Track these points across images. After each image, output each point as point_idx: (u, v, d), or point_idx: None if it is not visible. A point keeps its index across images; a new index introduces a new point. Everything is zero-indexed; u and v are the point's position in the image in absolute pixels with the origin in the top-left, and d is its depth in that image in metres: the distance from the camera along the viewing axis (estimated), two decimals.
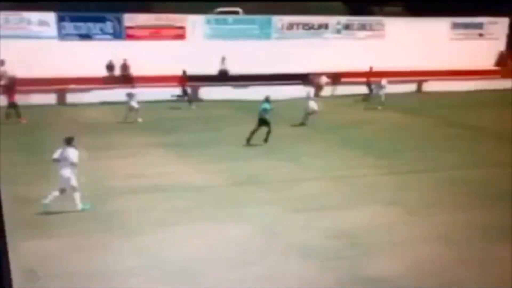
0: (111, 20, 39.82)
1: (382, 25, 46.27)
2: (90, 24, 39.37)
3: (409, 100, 38.96)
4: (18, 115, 29.89)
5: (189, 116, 33.35)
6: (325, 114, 30.77)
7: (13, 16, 36.93)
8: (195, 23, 42.08)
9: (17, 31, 36.59)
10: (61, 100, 36.50)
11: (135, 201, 17.74)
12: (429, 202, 18.04)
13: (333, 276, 12.68)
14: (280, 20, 44.25)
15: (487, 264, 13.25)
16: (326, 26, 45.45)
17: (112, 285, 12.09)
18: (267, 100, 25.98)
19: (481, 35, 49.05)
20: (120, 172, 21.05)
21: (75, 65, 35.38)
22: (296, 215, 16.62)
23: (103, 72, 38.38)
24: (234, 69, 40.57)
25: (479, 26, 48.86)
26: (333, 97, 39.06)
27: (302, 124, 30.28)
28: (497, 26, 49.08)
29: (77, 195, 16.39)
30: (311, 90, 31.67)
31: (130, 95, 31.13)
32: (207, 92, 38.67)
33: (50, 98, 35.98)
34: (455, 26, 48.02)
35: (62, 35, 38.47)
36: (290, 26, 44.55)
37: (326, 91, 38.13)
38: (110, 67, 38.70)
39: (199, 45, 40.30)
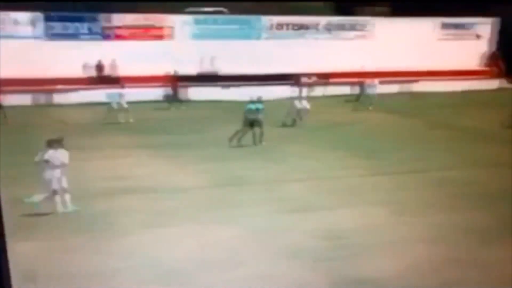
0: (98, 20, 39.91)
1: (372, 25, 46.55)
2: (78, 24, 39.46)
3: (398, 101, 39.04)
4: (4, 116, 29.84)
5: (176, 116, 33.44)
6: (314, 114, 30.85)
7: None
8: (183, 23, 42.20)
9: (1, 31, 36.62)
10: (48, 101, 36.55)
11: (122, 203, 17.66)
12: (418, 203, 18.03)
13: (323, 277, 12.67)
14: (269, 20, 44.41)
15: (477, 266, 13.26)
16: (315, 26, 45.66)
17: (99, 287, 12.15)
18: (259, 100, 26.11)
19: (478, 36, 49.37)
20: (106, 173, 20.96)
21: (62, 65, 35.41)
22: (284, 216, 16.60)
23: (90, 73, 38.43)
24: (223, 70, 40.67)
25: (469, 26, 49.15)
26: (322, 97, 39.08)
27: (293, 124, 30.46)
28: (487, 26, 49.36)
29: (67, 197, 16.43)
30: (303, 89, 31.87)
31: (119, 95, 31.25)
32: (195, 93, 38.70)
33: (36, 98, 36.09)
34: (444, 26, 48.32)
35: (49, 35, 38.52)
36: (280, 26, 44.76)
37: (316, 92, 38.20)
38: (99, 67, 38.75)
39: (187, 45, 40.39)
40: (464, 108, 36.42)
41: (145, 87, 36.61)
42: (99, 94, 34.78)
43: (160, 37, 41.29)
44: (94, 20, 39.94)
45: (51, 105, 36.04)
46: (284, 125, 30.34)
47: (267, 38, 44.20)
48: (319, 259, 13.53)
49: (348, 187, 19.81)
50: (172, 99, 36.68)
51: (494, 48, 49.35)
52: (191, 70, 39.31)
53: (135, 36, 40.55)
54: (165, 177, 20.82)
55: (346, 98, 39.10)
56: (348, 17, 47.32)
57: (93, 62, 38.67)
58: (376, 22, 46.70)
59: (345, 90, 40.27)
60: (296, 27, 45.22)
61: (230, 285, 12.31)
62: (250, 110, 25.87)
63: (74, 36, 39.18)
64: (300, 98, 31.37)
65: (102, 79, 38.26)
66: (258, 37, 44.00)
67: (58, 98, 36.59)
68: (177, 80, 37.62)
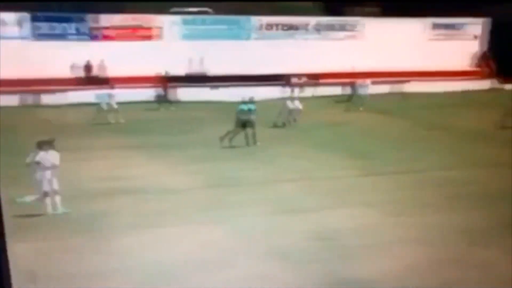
0: (85, 20, 39.85)
1: (362, 25, 46.68)
2: (65, 24, 39.40)
3: (389, 101, 39.11)
4: None
5: (167, 117, 33.44)
6: (306, 115, 30.91)
7: None
8: (172, 23, 42.20)
9: None
10: (36, 102, 36.46)
11: (112, 204, 17.61)
12: (409, 203, 17.99)
13: (312, 278, 12.64)
14: (259, 21, 44.47)
15: (473, 266, 13.25)
16: (305, 27, 45.74)
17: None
18: (251, 101, 26.14)
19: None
20: (96, 174, 20.93)
21: (49, 66, 35.32)
22: (274, 217, 16.56)
23: (78, 73, 38.37)
24: (212, 70, 40.69)
25: (460, 26, 49.35)
26: (313, 98, 39.05)
27: (283, 125, 30.47)
28: (477, 26, 49.55)
29: (58, 198, 16.39)
30: (295, 90, 31.93)
31: (109, 96, 31.23)
32: (184, 93, 38.68)
33: (24, 99, 36.03)
34: (435, 26, 48.50)
35: (36, 35, 38.44)
36: (269, 27, 44.82)
37: (306, 92, 38.26)
38: (87, 67, 38.69)
39: (176, 45, 40.39)
40: (456, 108, 36.48)
41: (134, 87, 36.58)
42: (88, 95, 34.89)
43: (148, 38, 41.31)
44: (81, 20, 39.93)
45: (39, 106, 35.96)
46: (275, 125, 30.35)
47: (256, 39, 44.23)
48: (311, 260, 13.49)
49: (341, 187, 19.78)
50: (163, 99, 36.65)
51: (485, 49, 49.52)
52: (180, 70, 39.30)
53: (123, 37, 40.53)
54: (156, 178, 20.78)
55: (337, 99, 39.24)
56: (338, 17, 47.38)
57: (81, 62, 38.60)
58: (366, 22, 46.89)
59: (336, 90, 40.28)
60: (285, 28, 45.30)
61: (222, 286, 12.29)
62: (242, 111, 25.87)
63: (61, 36, 39.14)
64: (292, 98, 31.42)
65: (90, 79, 38.20)
66: (248, 38, 44.03)
67: (46, 99, 36.47)
68: (167, 81, 37.58)
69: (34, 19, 38.38)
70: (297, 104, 31.00)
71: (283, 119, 30.64)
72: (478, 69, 48.75)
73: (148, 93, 36.86)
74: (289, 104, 31.07)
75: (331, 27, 46.20)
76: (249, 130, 25.61)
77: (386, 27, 45.18)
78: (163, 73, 37.84)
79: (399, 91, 43.82)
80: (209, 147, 25.40)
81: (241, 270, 12.97)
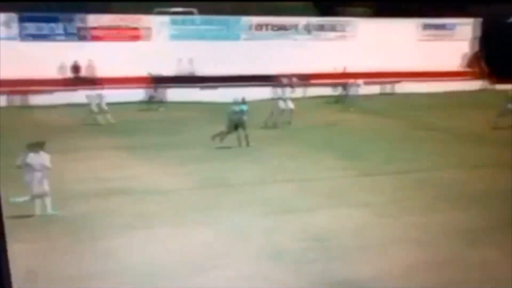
0: (73, 21, 39.89)
1: (353, 26, 46.83)
2: (53, 25, 39.45)
3: (380, 102, 39.42)
4: None
5: (156, 118, 33.58)
6: (297, 115, 31.07)
7: None
8: (160, 24, 42.30)
9: None
10: (24, 102, 36.50)
11: (101, 205, 17.75)
12: (400, 204, 18.21)
13: (304, 279, 12.82)
14: (248, 21, 44.60)
15: (459, 267, 13.50)
16: (295, 27, 45.89)
17: None
18: (243, 101, 26.30)
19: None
20: (85, 175, 21.03)
21: (37, 66, 35.34)
22: (265, 218, 16.71)
23: (66, 74, 38.43)
24: (201, 71, 40.81)
25: (450, 27, 49.62)
26: (304, 98, 39.17)
27: (274, 126, 30.56)
28: (468, 27, 49.80)
29: (48, 200, 16.52)
30: (287, 90, 32.08)
31: (98, 97, 31.35)
32: (174, 94, 38.75)
33: (11, 100, 36.06)
34: (426, 27, 48.73)
35: (23, 36, 38.46)
36: (259, 27, 44.92)
37: (297, 93, 38.37)
38: (75, 68, 38.75)
39: (164, 46, 40.50)
40: (447, 109, 36.68)
41: (124, 88, 36.62)
42: (76, 96, 34.87)
43: (137, 38, 41.34)
44: (69, 20, 39.90)
45: (27, 107, 35.91)
46: (266, 126, 30.46)
47: (246, 39, 44.33)
48: (301, 261, 13.69)
49: (332, 188, 19.96)
50: (152, 100, 36.77)
51: (475, 49, 49.72)
52: (169, 71, 39.39)
53: (112, 37, 40.55)
54: (147, 179, 20.91)
55: (328, 99, 39.43)
56: (329, 17, 47.57)
57: (69, 63, 38.57)
58: (356, 22, 47.01)
59: (327, 91, 40.43)
60: (275, 28, 45.40)
61: (214, 287, 12.50)
62: (234, 112, 26.03)
63: (49, 37, 39.13)
64: (283, 98, 31.62)
65: (78, 80, 38.24)
66: (237, 38, 44.12)
67: (34, 100, 36.47)
68: (157, 82, 37.72)
69: (21, 19, 38.33)
70: (289, 104, 31.13)
71: (274, 119, 30.71)
72: (469, 69, 48.96)
73: (138, 94, 36.97)
74: (281, 104, 31.23)
75: (321, 28, 46.31)
76: (241, 131, 25.74)
77: (377, 28, 45.35)
78: (152, 73, 37.90)
79: (390, 91, 44.14)
80: (200, 148, 25.53)
81: (234, 271, 13.12)
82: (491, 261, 13.82)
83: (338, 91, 39.47)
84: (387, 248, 14.67)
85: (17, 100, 36.45)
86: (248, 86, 36.91)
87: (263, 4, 44.57)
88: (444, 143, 27.59)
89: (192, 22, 43.48)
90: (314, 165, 23.33)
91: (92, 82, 37.09)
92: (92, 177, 20.84)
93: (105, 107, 31.18)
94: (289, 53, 41.59)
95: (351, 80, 38.34)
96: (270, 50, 41.86)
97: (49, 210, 16.55)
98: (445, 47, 46.74)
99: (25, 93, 36.53)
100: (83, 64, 38.84)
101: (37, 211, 16.46)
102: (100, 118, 30.98)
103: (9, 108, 34.59)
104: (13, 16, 38.03)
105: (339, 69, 40.32)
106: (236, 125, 25.80)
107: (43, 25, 39.10)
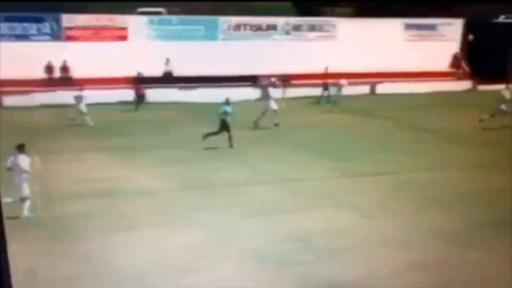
0: (48, 21, 39.68)
1: (333, 26, 46.97)
2: (26, 25, 39.23)
3: (363, 102, 39.53)
4: None
5: (136, 119, 33.48)
6: (281, 116, 31.01)
7: None
8: (137, 24, 42.21)
9: None
10: None
11: (82, 207, 17.74)
12: (385, 205, 18.36)
13: (288, 280, 12.91)
14: (226, 21, 44.61)
15: (443, 268, 13.65)
16: (274, 27, 45.93)
17: None
18: (227, 102, 26.21)
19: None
20: (66, 177, 20.97)
21: (12, 66, 35.04)
22: (249, 219, 16.80)
23: (42, 74, 38.23)
24: (179, 71, 40.77)
25: (433, 27, 49.88)
26: (287, 99, 39.09)
27: (255, 125, 30.58)
28: (451, 27, 50.09)
29: (27, 203, 16.52)
30: (271, 90, 32.10)
31: (78, 98, 31.11)
32: (152, 94, 38.60)
33: None
34: (408, 27, 48.92)
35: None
36: (237, 27, 44.93)
37: (277, 93, 38.46)
38: (49, 68, 38.52)
39: (142, 46, 40.42)
40: (431, 109, 36.99)
41: (103, 89, 36.48)
42: (52, 97, 34.73)
43: (114, 39, 41.18)
44: (43, 20, 39.66)
45: (1, 108, 35.51)
46: (256, 126, 30.50)
47: (224, 39, 44.33)
48: (285, 262, 13.78)
49: (316, 189, 20.09)
50: (133, 101, 36.62)
51: (458, 50, 50.00)
52: (147, 71, 39.33)
53: (87, 37, 40.39)
54: (127, 180, 20.89)
55: (312, 100, 39.50)
56: (309, 17, 47.69)
57: (45, 63, 38.36)
58: (338, 23, 47.16)
59: (310, 91, 40.45)
60: (254, 28, 45.42)
61: None
62: (220, 113, 25.98)
63: (23, 37, 38.87)
64: (268, 98, 31.63)
65: (53, 81, 38.05)
66: (215, 38, 44.10)
67: (8, 101, 36.05)
68: (137, 82, 37.66)
69: None
70: (273, 105, 31.15)
71: (257, 120, 30.71)
72: (453, 70, 49.26)
73: (116, 95, 36.81)
74: (265, 105, 31.27)
75: (302, 28, 46.39)
76: (225, 132, 25.75)
77: (359, 28, 45.63)
78: (133, 74, 37.85)
79: (374, 92, 44.29)
80: (180, 149, 25.61)
81: (217, 273, 13.22)
82: (475, 261, 14.02)
83: (326, 92, 39.36)
84: (372, 249, 14.82)
85: None
86: (227, 87, 36.89)
87: (242, 4, 44.65)
88: (429, 144, 27.75)
89: (169, 23, 43.39)
90: (298, 166, 23.42)
91: (68, 83, 36.90)
92: (75, 179, 20.78)
93: (84, 109, 30.85)
94: (268, 54, 41.66)
95: (333, 81, 38.35)
96: (249, 50, 41.85)
97: (25, 212, 16.48)
98: (429, 48, 46.95)
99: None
100: (57, 64, 38.58)
101: (25, 213, 16.40)
102: (80, 119, 30.64)
103: None
104: None
105: (327, 69, 40.24)
106: (221, 126, 25.79)
107: (16, 25, 38.81)
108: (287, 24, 46.25)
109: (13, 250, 13.12)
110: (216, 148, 25.51)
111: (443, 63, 49.01)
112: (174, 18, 44.31)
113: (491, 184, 20.70)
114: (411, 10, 45.99)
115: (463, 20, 49.55)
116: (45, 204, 17.08)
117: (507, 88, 31.95)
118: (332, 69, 39.90)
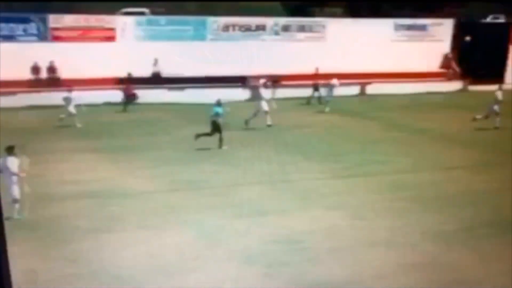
0: (34, 21, 39.56)
1: (323, 26, 47.01)
2: (13, 25, 39.11)
3: (352, 103, 39.66)
4: None
5: (124, 120, 33.47)
6: (269, 117, 31.02)
7: None
8: (125, 24, 42.13)
9: None
10: None
11: (69, 208, 17.76)
12: (374, 206, 18.47)
13: (276, 282, 12.98)
14: (215, 22, 44.59)
15: (432, 269, 13.73)
16: (263, 28, 45.93)
17: None
18: (218, 103, 26.22)
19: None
20: (53, 178, 20.96)
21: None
22: (237, 220, 16.86)
23: (28, 75, 38.13)
24: (168, 71, 40.74)
25: (423, 27, 49.97)
26: (277, 99, 39.15)
27: (246, 125, 30.56)
28: (441, 27, 50.18)
29: (16, 206, 16.52)
30: (262, 90, 32.14)
31: (67, 100, 31.01)
32: (141, 95, 38.56)
33: None
34: (398, 27, 48.99)
35: None
36: (226, 28, 44.89)
37: (266, 94, 38.54)
38: (35, 69, 38.41)
39: (130, 47, 40.35)
40: (421, 110, 37.17)
41: (91, 90, 36.36)
42: (42, 97, 34.58)
43: (102, 39, 41.09)
44: (30, 21, 39.52)
45: None
46: (248, 127, 30.48)
47: (212, 40, 44.29)
48: (274, 264, 13.83)
49: (305, 190, 20.18)
50: (121, 102, 36.57)
51: (449, 50, 50.13)
52: (136, 72, 39.25)
53: (75, 38, 40.27)
54: (114, 182, 20.91)
55: (302, 101, 39.54)
56: (298, 18, 47.69)
57: (31, 64, 38.24)
58: (328, 23, 47.21)
59: (300, 92, 40.46)
60: (243, 29, 45.41)
61: None
62: (212, 114, 25.99)
63: (9, 38, 38.70)
64: (259, 99, 31.65)
65: (39, 81, 37.96)
66: (203, 39, 44.06)
67: None
68: (128, 83, 37.64)
69: None
70: (264, 106, 31.15)
71: (248, 120, 30.74)
72: (443, 70, 49.39)
73: (105, 95, 36.76)
74: (256, 105, 31.33)
75: (291, 28, 46.40)
76: (216, 134, 25.78)
77: (349, 28, 45.73)
78: (121, 75, 37.79)
79: (364, 92, 44.37)
80: (168, 150, 25.67)
81: (204, 275, 13.27)
82: (465, 262, 14.14)
83: (317, 93, 39.40)
84: (361, 250, 14.91)
85: None
86: (215, 87, 36.90)
87: (231, 4, 44.67)
88: (418, 145, 27.92)
89: (157, 23, 43.33)
90: (286, 167, 23.46)
91: (55, 83, 36.84)
92: (60, 180, 20.81)
93: (73, 110, 30.76)
94: (257, 54, 41.72)
95: (324, 81, 38.41)
96: (238, 51, 41.86)
97: (15, 215, 16.45)
98: (419, 48, 47.01)
99: None
100: (44, 65, 38.49)
101: (15, 215, 16.39)
102: (68, 121, 30.55)
103: None
104: None
105: (318, 70, 40.27)
106: (213, 127, 25.80)
107: (3, 25, 38.60)
108: (276, 24, 46.19)
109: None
110: (205, 149, 25.50)
111: (433, 64, 49.12)
112: (162, 18, 44.21)
113: (481, 184, 20.82)
114: (401, 10, 46.10)
115: (453, 20, 49.71)
116: (34, 206, 17.05)
117: (500, 89, 32.09)
118: (322, 70, 39.94)
